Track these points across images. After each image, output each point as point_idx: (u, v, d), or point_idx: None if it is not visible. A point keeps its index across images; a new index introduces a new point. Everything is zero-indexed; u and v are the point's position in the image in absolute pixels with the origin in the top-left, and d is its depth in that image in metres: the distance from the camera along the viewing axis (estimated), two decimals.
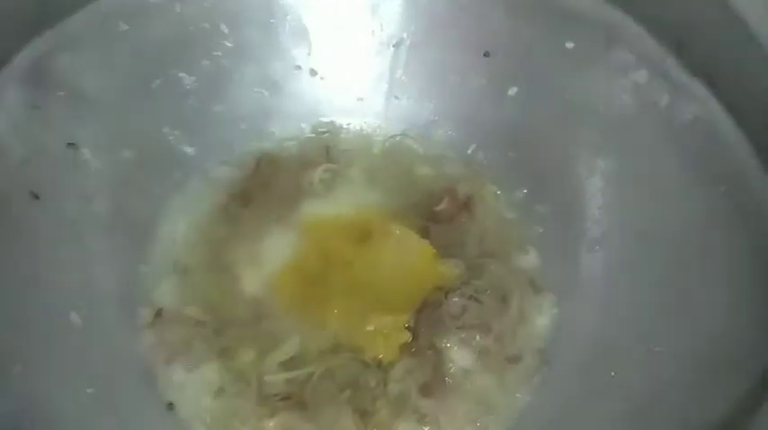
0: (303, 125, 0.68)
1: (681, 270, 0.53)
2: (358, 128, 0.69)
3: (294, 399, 0.54)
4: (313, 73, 0.66)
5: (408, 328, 0.57)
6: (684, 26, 0.52)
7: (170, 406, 0.55)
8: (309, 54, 0.66)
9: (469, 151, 0.67)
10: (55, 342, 0.51)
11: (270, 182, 0.65)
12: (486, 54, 0.63)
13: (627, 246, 0.58)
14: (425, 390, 0.55)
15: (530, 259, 0.62)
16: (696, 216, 0.52)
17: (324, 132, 0.68)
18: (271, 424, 0.53)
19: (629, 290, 0.56)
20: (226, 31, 0.62)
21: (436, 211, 0.63)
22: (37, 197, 0.53)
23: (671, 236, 0.54)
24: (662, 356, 0.51)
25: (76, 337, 0.52)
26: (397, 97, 0.68)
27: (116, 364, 0.54)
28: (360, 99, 0.68)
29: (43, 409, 0.47)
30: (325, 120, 0.68)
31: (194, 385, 0.55)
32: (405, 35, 0.65)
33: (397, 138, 0.68)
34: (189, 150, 0.64)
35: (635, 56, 0.56)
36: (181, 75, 0.61)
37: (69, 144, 0.56)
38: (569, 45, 0.59)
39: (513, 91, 0.63)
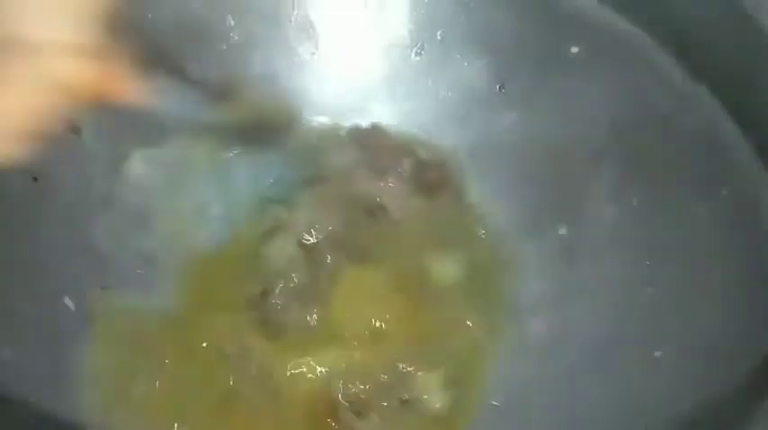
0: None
1: (682, 273, 0.53)
2: None
3: None
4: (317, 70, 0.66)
5: None
6: (689, 29, 0.53)
7: None
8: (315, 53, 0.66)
9: None
10: (47, 326, 0.50)
11: None
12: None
13: (626, 250, 0.57)
14: None
15: None
16: (698, 219, 0.53)
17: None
18: None
19: (628, 295, 0.56)
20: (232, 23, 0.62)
21: None
22: (35, 179, 0.52)
23: (672, 240, 0.54)
24: (661, 361, 0.51)
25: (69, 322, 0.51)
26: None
27: None
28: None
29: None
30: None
31: None
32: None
33: None
34: None
35: (639, 62, 0.57)
36: (186, 65, 0.61)
37: (72, 128, 0.55)
38: (574, 50, 0.60)
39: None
